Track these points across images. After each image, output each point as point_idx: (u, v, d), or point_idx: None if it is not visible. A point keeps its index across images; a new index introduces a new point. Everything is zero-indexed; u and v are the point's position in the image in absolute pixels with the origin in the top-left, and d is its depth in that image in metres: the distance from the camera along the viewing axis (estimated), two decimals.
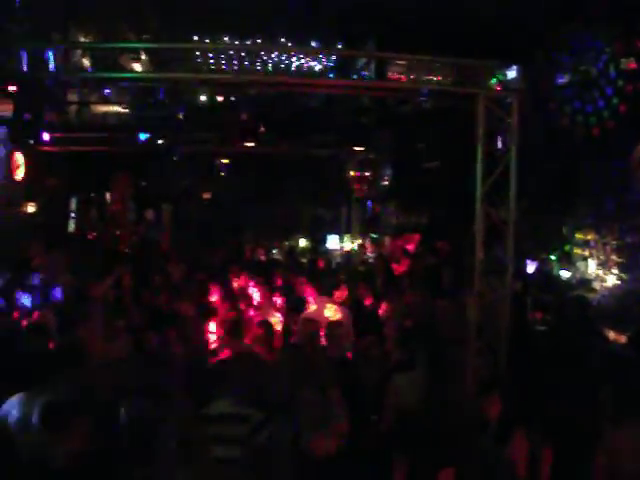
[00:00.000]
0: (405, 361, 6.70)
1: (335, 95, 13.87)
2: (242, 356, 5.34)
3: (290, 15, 14.43)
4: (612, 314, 9.72)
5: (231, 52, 14.22)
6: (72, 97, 15.30)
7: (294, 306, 9.43)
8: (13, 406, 4.89)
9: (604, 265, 11.54)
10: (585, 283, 11.62)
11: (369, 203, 19.32)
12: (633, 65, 10.83)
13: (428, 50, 8.67)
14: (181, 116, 15.79)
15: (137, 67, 14.35)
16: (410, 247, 14.80)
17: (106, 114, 16.28)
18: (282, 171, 18.56)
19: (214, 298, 9.78)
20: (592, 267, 11.88)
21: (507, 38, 11.87)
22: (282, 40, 14.97)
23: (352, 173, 18.38)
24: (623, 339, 8.64)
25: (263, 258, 15.28)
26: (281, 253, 17.23)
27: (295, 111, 16.08)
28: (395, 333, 7.66)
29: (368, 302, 10.01)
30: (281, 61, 17.10)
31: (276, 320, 8.54)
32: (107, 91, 15.94)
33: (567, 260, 12.49)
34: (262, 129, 15.93)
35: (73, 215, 16.68)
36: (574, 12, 11.73)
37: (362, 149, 17.56)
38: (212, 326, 7.90)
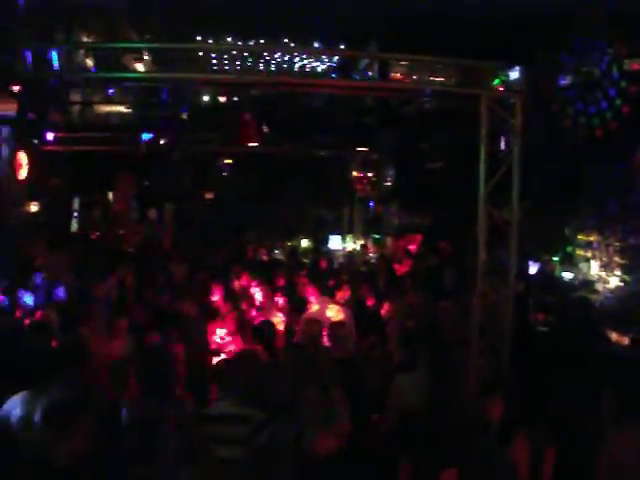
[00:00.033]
0: (407, 362, 6.69)
1: (338, 96, 13.88)
2: (244, 356, 5.34)
3: (293, 16, 14.46)
4: (615, 315, 9.72)
5: (234, 52, 14.23)
6: (75, 97, 15.32)
7: (296, 306, 9.44)
8: (15, 405, 4.88)
9: (607, 266, 11.55)
10: (588, 284, 11.62)
11: (371, 203, 19.33)
12: (636, 66, 10.83)
13: (430, 51, 8.68)
14: (184, 116, 15.81)
15: (140, 67, 14.38)
16: (412, 248, 14.81)
17: (109, 114, 16.30)
18: (284, 171, 18.56)
19: (216, 298, 9.78)
20: (595, 268, 11.88)
21: (509, 39, 11.89)
22: (285, 41, 14.99)
23: (355, 173, 18.39)
24: (626, 340, 8.64)
25: (265, 258, 15.28)
26: (283, 253, 17.23)
27: (298, 111, 16.10)
28: (397, 333, 7.67)
29: (370, 302, 10.01)
30: (284, 61, 17.13)
31: (278, 320, 8.55)
32: (111, 91, 15.96)
33: (569, 261, 12.49)
34: (265, 129, 15.94)
35: (76, 215, 16.69)
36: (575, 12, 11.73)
37: (365, 149, 17.56)
38: (215, 326, 7.89)
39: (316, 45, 15.54)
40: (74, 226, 16.62)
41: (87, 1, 13.20)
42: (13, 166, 11.70)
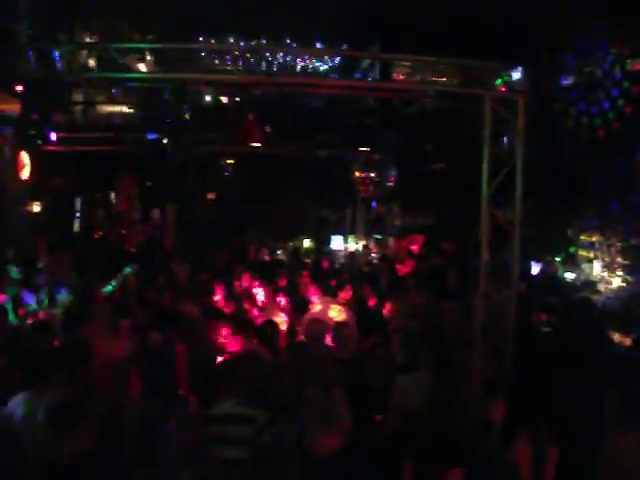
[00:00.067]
0: (409, 362, 6.69)
1: (340, 96, 13.88)
2: (247, 356, 5.34)
3: (295, 16, 14.46)
4: (617, 316, 9.71)
5: (236, 53, 14.24)
6: (77, 97, 15.34)
7: (298, 306, 9.44)
8: (18, 404, 4.90)
9: (609, 267, 11.54)
10: (590, 285, 11.61)
11: (374, 204, 19.32)
12: (639, 66, 10.82)
13: (433, 51, 8.68)
14: (187, 116, 15.82)
15: (142, 67, 14.38)
16: (414, 248, 14.80)
17: (111, 114, 16.31)
18: (286, 171, 18.56)
19: (218, 298, 9.79)
20: (597, 269, 11.87)
21: (512, 39, 11.88)
22: (287, 41, 15.00)
23: (357, 174, 18.38)
24: (628, 341, 8.63)
25: (267, 258, 15.28)
26: (285, 254, 17.22)
27: (300, 112, 16.10)
28: (400, 334, 7.67)
29: (372, 303, 10.01)
30: (286, 62, 17.13)
31: (281, 320, 8.54)
32: (113, 91, 15.97)
33: (572, 262, 12.48)
34: (268, 129, 15.94)
35: (78, 215, 16.70)
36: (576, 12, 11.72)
37: (367, 150, 17.56)
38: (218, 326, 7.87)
39: (318, 45, 15.54)
40: (76, 226, 16.63)
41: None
42: (15, 166, 11.72)
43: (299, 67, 16.69)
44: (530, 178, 7.95)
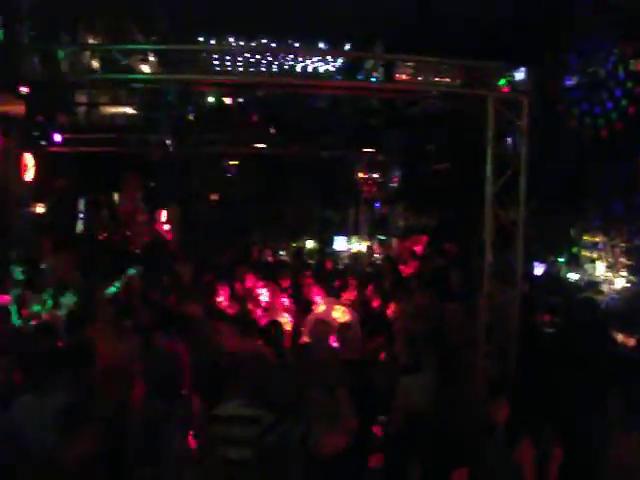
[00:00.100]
0: (413, 363, 6.70)
1: (344, 96, 13.88)
2: (252, 357, 5.34)
3: (298, 17, 14.46)
4: (621, 317, 9.69)
5: (240, 53, 14.24)
6: (81, 98, 15.35)
7: (302, 307, 9.45)
8: (22, 406, 4.91)
9: (613, 267, 11.51)
10: (593, 285, 11.59)
11: (377, 204, 19.32)
12: None
13: (436, 52, 8.68)
14: (191, 117, 15.84)
15: (145, 68, 14.38)
16: (417, 249, 14.79)
17: (114, 115, 16.32)
18: (290, 172, 18.57)
19: (221, 299, 9.79)
20: (600, 269, 11.84)
21: (515, 40, 11.87)
22: (290, 42, 15.00)
23: (361, 175, 18.38)
24: (632, 342, 8.62)
25: (271, 259, 15.28)
26: (289, 254, 17.23)
27: (304, 113, 16.10)
28: (403, 335, 7.67)
29: (376, 304, 10.01)
30: (288, 62, 17.13)
31: (285, 321, 8.55)
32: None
33: (575, 262, 12.46)
34: (273, 130, 15.96)
35: (81, 216, 16.72)
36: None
37: (371, 150, 17.56)
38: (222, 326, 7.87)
39: (321, 46, 15.53)
40: (79, 227, 16.64)
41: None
42: (19, 167, 11.74)
43: (301, 68, 16.68)
44: (533, 178, 7.95)
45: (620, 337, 8.74)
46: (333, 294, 9.56)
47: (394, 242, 17.07)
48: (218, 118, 16.25)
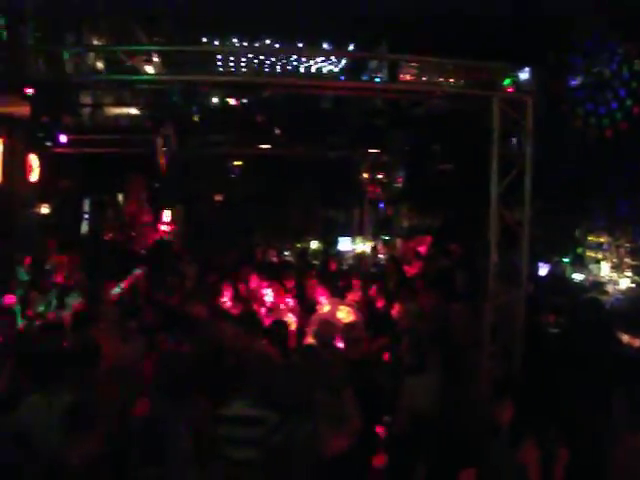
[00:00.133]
0: (418, 364, 6.69)
1: (348, 97, 13.88)
2: (257, 357, 5.35)
3: (302, 18, 14.48)
4: (626, 317, 9.68)
5: (244, 54, 14.26)
6: (85, 99, 15.38)
7: (307, 307, 9.45)
8: (27, 406, 4.92)
9: (617, 268, 11.50)
10: (598, 286, 11.59)
11: (381, 205, 19.31)
12: None
13: (440, 52, 8.69)
14: (196, 118, 15.87)
15: (149, 69, 14.41)
16: (422, 249, 14.79)
17: (118, 116, 16.35)
18: (294, 173, 18.57)
19: (226, 299, 9.80)
20: (605, 270, 11.84)
21: (519, 40, 11.86)
22: (294, 43, 15.03)
23: (365, 175, 18.37)
24: (637, 342, 8.61)
25: (275, 260, 15.29)
26: (293, 255, 17.24)
27: (309, 113, 16.12)
28: (408, 335, 7.67)
29: (380, 304, 10.00)
30: (292, 63, 17.16)
31: (290, 321, 8.54)
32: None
33: (580, 263, 12.45)
34: (277, 131, 15.98)
35: (86, 217, 16.74)
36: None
37: (375, 151, 17.55)
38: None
39: (325, 46, 15.54)
40: (84, 228, 16.67)
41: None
42: (24, 168, 11.77)
43: (306, 68, 16.71)
44: (538, 179, 7.94)
45: (625, 337, 8.73)
46: (337, 294, 9.56)
47: (398, 242, 17.07)
48: (223, 119, 16.28)
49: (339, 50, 15.47)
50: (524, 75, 9.74)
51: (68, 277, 10.14)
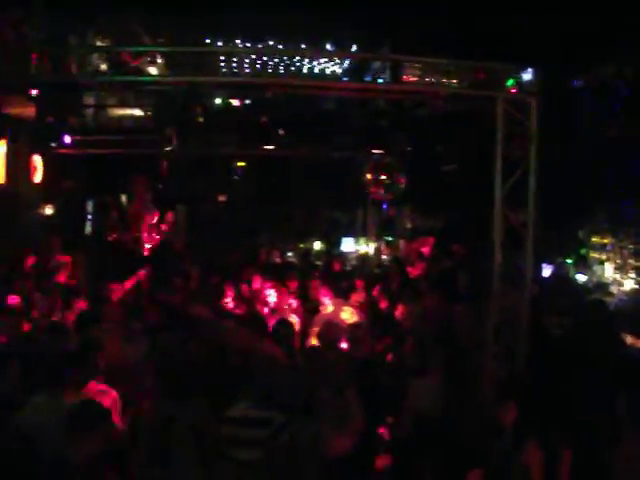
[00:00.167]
0: (422, 365, 6.70)
1: (351, 98, 13.87)
2: (262, 358, 5.35)
3: (305, 18, 14.49)
4: (630, 318, 9.67)
5: (247, 55, 14.27)
6: (89, 100, 15.40)
7: (310, 308, 9.46)
8: (32, 407, 4.93)
9: (621, 269, 11.49)
10: (602, 287, 11.57)
11: (385, 206, 19.29)
12: None
13: (444, 53, 8.69)
14: (200, 119, 15.87)
15: (153, 70, 14.40)
16: (425, 250, 14.78)
17: (122, 117, 16.36)
18: (298, 173, 18.57)
19: (229, 300, 9.81)
20: (609, 271, 11.82)
21: (522, 41, 11.85)
22: (297, 43, 15.03)
23: (368, 176, 18.34)
24: None
25: (278, 260, 15.30)
26: (296, 256, 17.24)
27: (311, 114, 16.11)
28: (412, 336, 7.67)
29: (383, 305, 10.01)
30: (295, 64, 17.15)
31: (293, 322, 8.54)
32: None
33: (584, 264, 12.44)
34: (281, 132, 15.96)
35: (90, 217, 16.76)
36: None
37: (379, 152, 17.52)
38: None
39: (328, 47, 15.53)
40: (88, 228, 16.68)
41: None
42: (28, 169, 11.80)
43: (306, 69, 16.73)
44: (541, 179, 7.95)
45: (629, 339, 8.72)
46: (341, 295, 9.56)
47: (401, 243, 17.06)
48: (226, 120, 16.27)
49: (342, 51, 15.44)
50: (527, 76, 9.73)
51: (72, 278, 10.16)
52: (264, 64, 14.52)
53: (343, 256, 17.65)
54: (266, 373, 4.96)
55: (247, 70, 13.08)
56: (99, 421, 4.23)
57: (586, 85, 12.58)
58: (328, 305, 9.11)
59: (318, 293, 9.96)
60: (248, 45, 15.11)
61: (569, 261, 12.63)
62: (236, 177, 20.80)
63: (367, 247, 18.28)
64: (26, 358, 5.86)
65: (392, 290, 10.70)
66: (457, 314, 8.26)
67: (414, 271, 12.69)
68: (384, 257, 16.63)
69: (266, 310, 9.59)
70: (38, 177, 12.11)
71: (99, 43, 14.20)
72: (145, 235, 16.83)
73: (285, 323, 7.48)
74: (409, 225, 18.34)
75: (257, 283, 10.78)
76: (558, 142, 11.94)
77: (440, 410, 6.14)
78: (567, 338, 8.28)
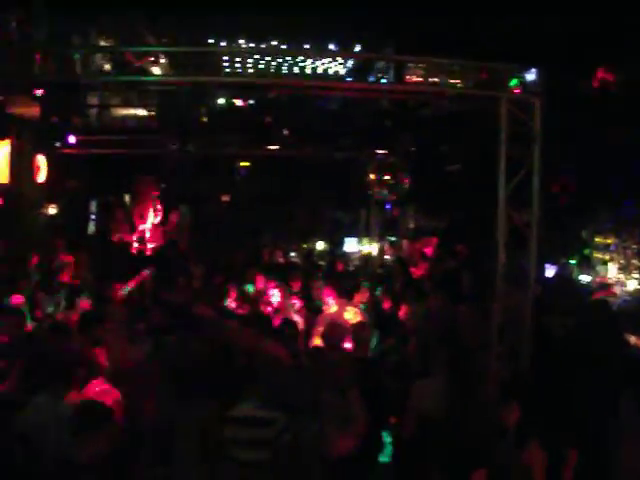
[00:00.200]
0: (425, 366, 6.69)
1: (355, 98, 13.88)
2: (267, 358, 5.35)
3: (308, 18, 14.50)
4: (633, 318, 9.65)
5: (251, 55, 14.28)
6: (92, 100, 15.42)
7: (313, 309, 9.45)
8: (36, 407, 4.93)
9: (625, 269, 11.48)
10: (605, 287, 11.55)
11: (388, 206, 19.28)
12: None
13: (447, 53, 8.69)
14: (204, 119, 15.89)
15: (156, 70, 14.42)
16: (427, 250, 14.78)
17: (126, 117, 16.39)
18: (301, 174, 18.58)
19: (232, 300, 9.81)
20: (613, 271, 11.81)
21: (525, 41, 11.85)
22: (300, 43, 15.04)
23: (372, 176, 18.33)
24: None
25: (281, 261, 15.29)
26: (299, 256, 17.24)
27: (315, 114, 16.11)
28: (415, 337, 7.67)
29: (387, 305, 10.00)
30: (298, 64, 17.17)
31: (297, 322, 8.54)
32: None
33: (587, 264, 12.42)
34: (286, 132, 15.97)
35: (93, 217, 16.79)
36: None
37: (382, 152, 17.52)
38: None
39: (331, 47, 15.55)
40: (91, 228, 16.72)
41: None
42: (32, 169, 11.82)
43: (310, 69, 16.74)
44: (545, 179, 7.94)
45: (633, 339, 8.70)
46: (344, 295, 9.55)
47: (404, 244, 17.06)
48: (230, 120, 16.28)
49: (345, 51, 15.46)
50: (531, 76, 9.73)
51: (75, 277, 10.17)
52: (267, 64, 14.54)
53: (346, 256, 17.65)
54: (270, 373, 4.96)
55: (250, 70, 13.10)
56: (103, 421, 4.23)
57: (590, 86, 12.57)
58: (331, 305, 9.10)
59: (321, 293, 9.96)
60: (251, 45, 15.14)
61: (572, 261, 12.62)
62: (240, 177, 20.82)
63: (370, 247, 18.27)
64: (29, 358, 5.87)
65: (395, 290, 10.70)
66: (461, 314, 8.25)
67: (417, 271, 12.69)
68: (387, 257, 16.62)
69: (269, 310, 9.58)
70: (42, 177, 12.13)
71: (103, 43, 14.24)
72: (149, 235, 16.85)
73: (290, 323, 7.48)
74: (412, 225, 18.33)
75: (260, 283, 10.78)
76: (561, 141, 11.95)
77: (444, 410, 6.12)
78: (570, 338, 8.26)
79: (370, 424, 5.22)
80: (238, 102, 17.46)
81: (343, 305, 8.80)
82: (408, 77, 9.31)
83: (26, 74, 8.11)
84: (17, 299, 8.29)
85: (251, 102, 17.20)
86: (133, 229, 17.07)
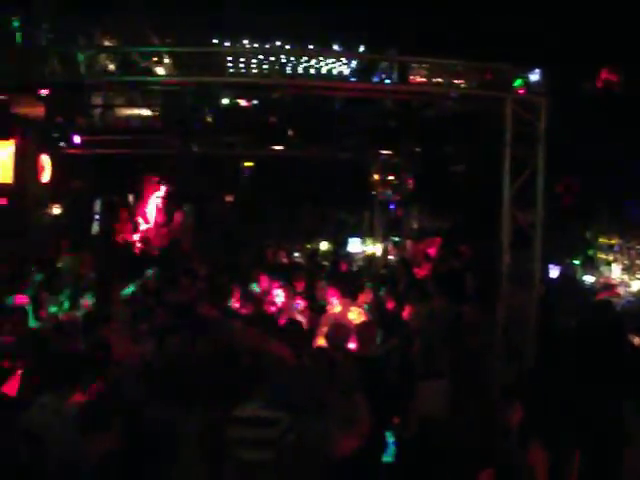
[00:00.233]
0: (429, 366, 6.69)
1: (359, 99, 13.88)
2: (271, 358, 5.36)
3: (312, 18, 14.51)
4: (637, 319, 9.64)
5: (255, 55, 14.29)
6: (96, 100, 15.44)
7: (317, 309, 9.46)
8: (40, 407, 4.94)
9: (628, 270, 11.47)
10: (609, 288, 11.54)
11: (392, 206, 19.27)
12: None
13: (451, 54, 8.69)
14: (209, 119, 15.90)
15: (160, 71, 14.42)
16: (431, 251, 14.77)
17: (130, 117, 16.40)
18: (305, 174, 18.57)
19: (236, 300, 9.82)
20: (616, 272, 11.80)
21: (529, 42, 11.84)
22: (304, 44, 15.05)
23: (376, 176, 18.32)
24: None
25: (285, 261, 15.30)
26: (303, 256, 17.24)
27: (319, 115, 16.10)
28: (419, 337, 7.67)
29: (390, 306, 10.00)
30: (302, 64, 17.16)
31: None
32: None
33: (591, 265, 12.42)
34: (290, 132, 15.97)
35: (97, 217, 16.81)
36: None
37: (386, 152, 17.50)
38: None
39: (335, 48, 15.54)
40: (95, 228, 16.74)
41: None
42: (36, 169, 11.84)
43: (314, 70, 16.74)
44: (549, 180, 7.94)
45: (637, 339, 8.69)
46: (348, 295, 9.56)
47: (408, 244, 17.05)
48: (234, 120, 16.28)
49: (349, 51, 15.46)
50: (534, 77, 9.73)
51: (79, 277, 10.19)
52: (271, 64, 14.55)
53: (350, 256, 17.64)
54: (274, 373, 4.96)
55: (254, 70, 13.12)
56: (110, 421, 4.24)
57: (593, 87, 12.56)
58: (335, 305, 9.10)
59: (325, 293, 9.96)
60: (256, 45, 15.15)
61: (576, 262, 12.62)
62: (244, 177, 20.82)
63: (374, 247, 18.26)
64: (34, 358, 5.88)
65: (399, 291, 10.70)
66: (464, 315, 8.25)
67: (421, 272, 12.69)
68: (391, 258, 16.61)
69: (273, 310, 9.59)
70: (46, 177, 12.15)
71: (107, 43, 14.25)
72: (153, 235, 16.87)
73: (295, 323, 7.49)
74: (416, 225, 18.31)
75: (264, 283, 10.79)
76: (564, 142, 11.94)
77: (447, 411, 6.13)
78: (574, 338, 8.26)
79: (373, 424, 5.22)
80: (242, 102, 17.46)
81: (347, 305, 8.81)
82: (412, 77, 9.32)
83: (31, 74, 8.13)
84: (21, 299, 8.31)
85: (255, 102, 17.18)
86: (137, 229, 17.10)
